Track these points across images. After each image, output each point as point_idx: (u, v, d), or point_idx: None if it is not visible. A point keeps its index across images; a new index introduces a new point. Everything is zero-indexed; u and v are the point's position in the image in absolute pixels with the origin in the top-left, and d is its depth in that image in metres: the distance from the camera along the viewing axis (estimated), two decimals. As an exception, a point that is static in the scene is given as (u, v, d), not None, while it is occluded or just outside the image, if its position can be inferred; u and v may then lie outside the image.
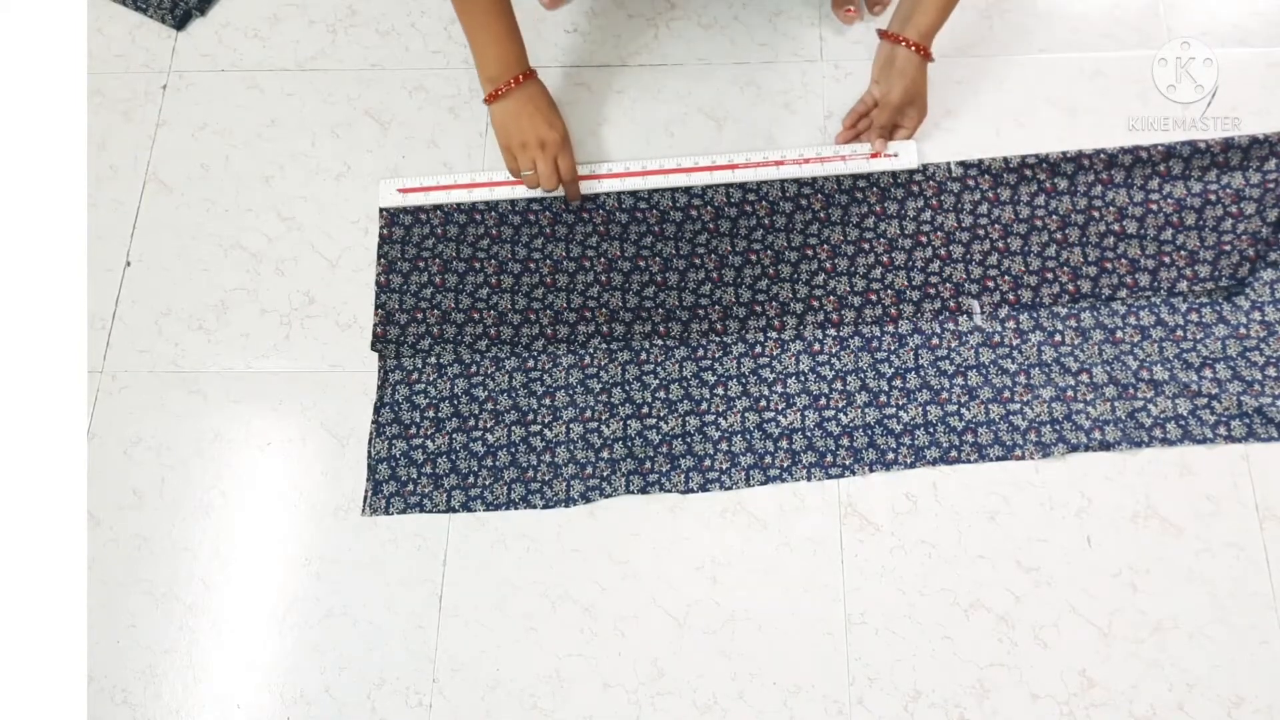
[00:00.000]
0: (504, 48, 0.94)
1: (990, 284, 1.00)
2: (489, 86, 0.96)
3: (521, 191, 1.04)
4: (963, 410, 0.96)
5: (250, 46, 1.17)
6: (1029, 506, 0.93)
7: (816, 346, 0.99)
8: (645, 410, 0.98)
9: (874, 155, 1.03)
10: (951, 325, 0.99)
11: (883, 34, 0.99)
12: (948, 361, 0.98)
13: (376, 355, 1.02)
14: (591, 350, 1.01)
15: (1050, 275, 1.00)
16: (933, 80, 1.04)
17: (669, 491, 0.95)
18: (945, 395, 0.96)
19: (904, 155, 1.03)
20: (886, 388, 0.97)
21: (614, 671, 0.90)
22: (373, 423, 0.99)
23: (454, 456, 0.97)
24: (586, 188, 1.04)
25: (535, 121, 0.96)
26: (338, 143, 1.12)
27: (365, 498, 0.96)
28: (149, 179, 1.11)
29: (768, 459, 0.95)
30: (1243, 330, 0.96)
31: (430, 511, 0.96)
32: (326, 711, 0.90)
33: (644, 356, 1.00)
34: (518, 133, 0.96)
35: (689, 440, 0.96)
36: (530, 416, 0.98)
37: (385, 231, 1.06)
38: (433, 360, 1.01)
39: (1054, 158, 1.02)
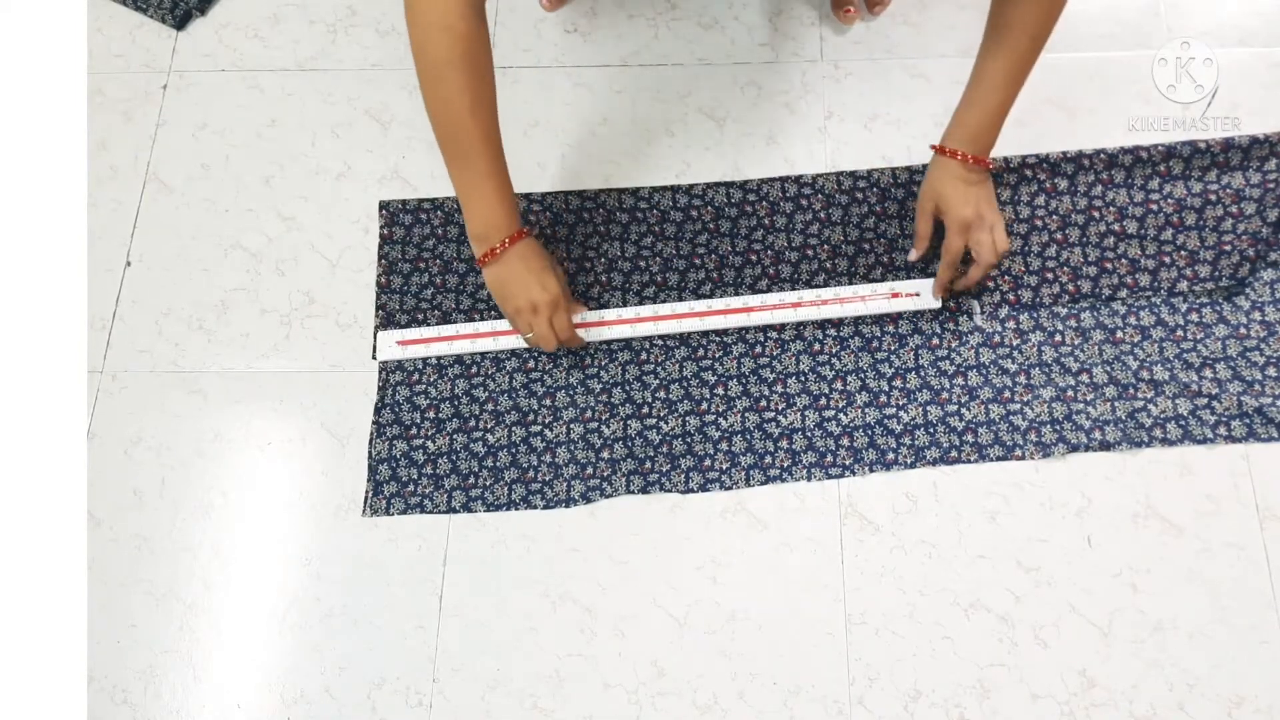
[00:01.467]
0: (494, 210, 0.89)
1: (990, 284, 1.00)
2: (478, 248, 0.91)
3: (519, 341, 1.00)
4: (963, 410, 0.96)
5: (250, 46, 1.17)
6: (1029, 506, 0.93)
7: (816, 346, 0.99)
8: (645, 410, 0.98)
9: (895, 295, 0.99)
10: (951, 325, 0.99)
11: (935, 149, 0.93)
12: (948, 361, 0.97)
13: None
14: (592, 350, 1.01)
15: (1050, 275, 1.00)
16: (934, 80, 1.04)
17: (669, 491, 0.95)
18: (945, 395, 0.96)
19: (924, 294, 0.98)
20: (886, 388, 0.97)
21: (614, 671, 0.90)
22: (373, 423, 0.99)
23: (454, 457, 0.97)
24: (594, 335, 0.99)
25: (527, 284, 0.92)
26: (338, 143, 1.12)
27: (366, 498, 0.96)
28: (149, 179, 1.11)
29: (768, 459, 0.95)
30: (1243, 330, 0.96)
31: (431, 512, 0.96)
32: (326, 711, 0.90)
33: (644, 356, 1.00)
34: (511, 298, 0.92)
35: (689, 440, 0.96)
36: (530, 417, 0.98)
37: (385, 231, 1.06)
38: (433, 361, 1.01)
39: (1054, 158, 1.02)
